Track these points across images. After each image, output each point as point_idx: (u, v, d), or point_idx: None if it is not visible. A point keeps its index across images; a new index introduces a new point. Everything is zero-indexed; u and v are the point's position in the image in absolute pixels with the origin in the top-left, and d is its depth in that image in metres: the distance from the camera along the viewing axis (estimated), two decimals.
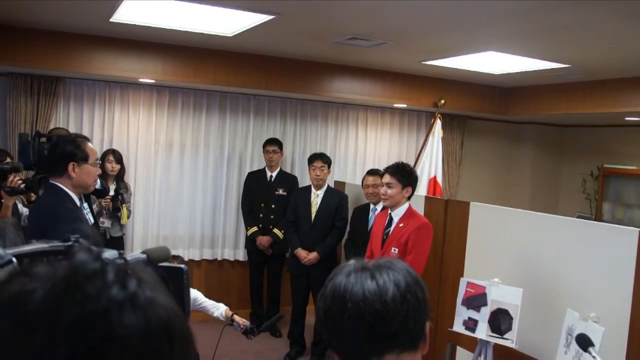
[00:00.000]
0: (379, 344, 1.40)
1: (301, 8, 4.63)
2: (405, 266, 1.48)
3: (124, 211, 6.46)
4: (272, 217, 7.16)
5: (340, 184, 7.49)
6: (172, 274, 1.83)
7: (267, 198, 7.20)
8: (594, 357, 3.10)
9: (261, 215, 7.20)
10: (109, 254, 1.62)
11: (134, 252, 1.80)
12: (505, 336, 4.14)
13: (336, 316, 1.40)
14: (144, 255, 1.75)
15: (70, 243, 0.89)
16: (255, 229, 7.18)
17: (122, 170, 6.57)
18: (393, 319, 1.37)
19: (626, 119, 7.87)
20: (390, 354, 1.41)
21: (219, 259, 7.80)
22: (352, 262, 1.49)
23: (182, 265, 1.88)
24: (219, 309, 4.79)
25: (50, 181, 3.36)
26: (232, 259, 7.84)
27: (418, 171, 7.47)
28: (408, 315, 1.38)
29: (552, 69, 6.45)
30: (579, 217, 8.55)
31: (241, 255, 7.82)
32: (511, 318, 4.14)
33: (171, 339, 0.74)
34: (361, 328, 1.37)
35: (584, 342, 3.22)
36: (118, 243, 6.39)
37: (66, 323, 0.68)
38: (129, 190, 6.66)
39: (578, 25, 4.57)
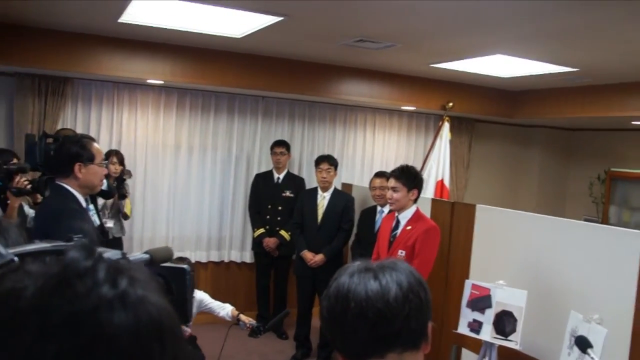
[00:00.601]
0: (382, 343, 1.41)
1: (309, 10, 4.65)
2: (408, 267, 1.50)
3: (127, 202, 6.47)
4: (279, 218, 7.18)
5: (347, 186, 7.52)
6: (174, 274, 1.85)
7: (274, 200, 7.22)
8: (592, 358, 3.14)
9: (268, 216, 7.22)
10: (112, 253, 1.63)
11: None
12: (509, 338, 4.17)
13: (339, 315, 1.42)
14: (147, 255, 1.76)
15: (72, 243, 0.87)
16: (262, 230, 7.20)
17: (123, 172, 6.54)
18: (395, 318, 1.39)
19: (632, 123, 7.86)
20: (393, 353, 1.42)
21: (225, 260, 7.81)
22: (356, 263, 1.51)
23: (185, 266, 1.90)
24: (225, 309, 4.85)
25: (56, 182, 3.35)
26: (238, 260, 7.86)
27: (425, 174, 7.52)
28: (410, 315, 1.40)
29: (560, 73, 6.45)
30: (586, 220, 8.53)
31: (248, 257, 7.84)
32: (515, 320, 4.16)
33: (162, 338, 0.74)
34: (364, 327, 1.39)
35: (583, 343, 3.27)
36: (118, 244, 6.40)
37: (55, 321, 0.68)
38: (132, 176, 6.67)
39: (587, 28, 4.58)
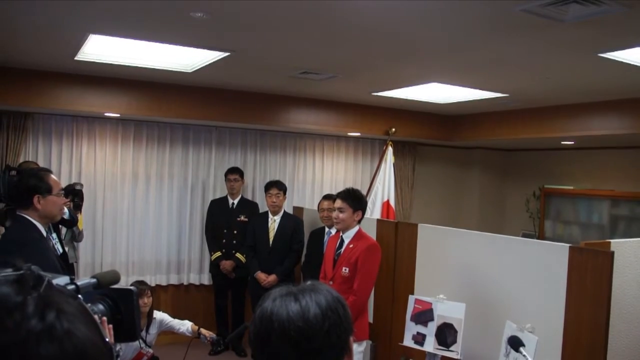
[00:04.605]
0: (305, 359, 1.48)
1: (253, 46, 4.86)
2: (327, 288, 1.57)
3: (80, 216, 6.30)
4: (234, 242, 7.37)
5: (298, 210, 7.74)
6: (122, 296, 1.98)
7: (229, 224, 7.41)
8: (524, 355, 3.41)
9: (224, 240, 7.40)
10: (60, 280, 1.56)
11: None
12: (451, 348, 4.37)
13: (264, 337, 1.47)
14: (94, 280, 1.84)
15: (22, 272, 0.87)
16: (218, 253, 7.39)
17: (74, 185, 6.15)
18: (316, 335, 1.45)
19: (562, 143, 8.26)
20: None
21: (185, 283, 7.95)
22: (277, 288, 1.61)
23: (132, 287, 2.02)
24: (185, 325, 5.05)
25: (17, 213, 3.46)
26: (197, 283, 8.02)
27: (372, 195, 7.80)
28: (330, 331, 1.47)
29: (492, 98, 6.78)
30: (523, 235, 8.91)
31: (206, 279, 8.00)
32: (456, 331, 4.36)
33: None
34: (287, 346, 1.45)
35: (515, 343, 3.55)
36: (72, 271, 6.36)
37: None
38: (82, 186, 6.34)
39: (512, 58, 4.84)
